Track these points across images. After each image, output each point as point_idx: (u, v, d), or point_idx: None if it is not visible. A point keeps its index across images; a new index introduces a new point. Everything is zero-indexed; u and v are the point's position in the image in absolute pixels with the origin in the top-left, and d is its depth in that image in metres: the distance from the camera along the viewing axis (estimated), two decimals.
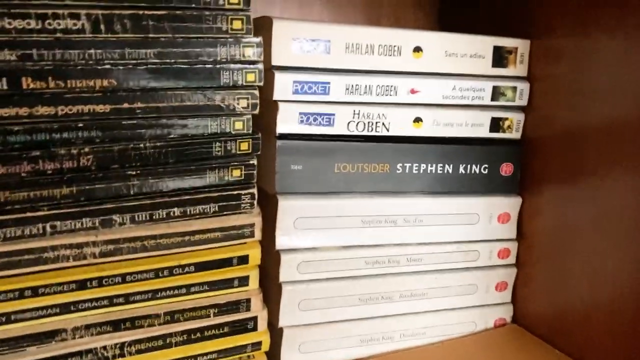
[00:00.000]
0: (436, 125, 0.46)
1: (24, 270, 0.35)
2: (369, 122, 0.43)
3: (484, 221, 0.49)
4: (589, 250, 0.44)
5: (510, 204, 0.50)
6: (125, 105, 0.35)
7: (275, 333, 0.44)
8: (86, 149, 0.35)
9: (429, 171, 0.46)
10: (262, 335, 0.42)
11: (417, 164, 0.46)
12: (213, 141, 0.38)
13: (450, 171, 0.47)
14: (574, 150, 0.45)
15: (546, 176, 0.48)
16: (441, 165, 0.47)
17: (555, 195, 0.47)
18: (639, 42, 0.39)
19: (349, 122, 0.43)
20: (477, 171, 0.48)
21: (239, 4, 0.36)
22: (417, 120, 0.45)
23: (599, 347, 0.43)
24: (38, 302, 0.35)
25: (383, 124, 0.44)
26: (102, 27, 0.33)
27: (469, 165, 0.48)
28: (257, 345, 0.42)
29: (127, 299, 0.38)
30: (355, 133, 0.43)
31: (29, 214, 0.34)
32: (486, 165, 0.48)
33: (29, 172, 0.34)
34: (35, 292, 0.35)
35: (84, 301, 0.37)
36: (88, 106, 0.34)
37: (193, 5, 0.35)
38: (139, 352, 0.38)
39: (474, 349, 0.48)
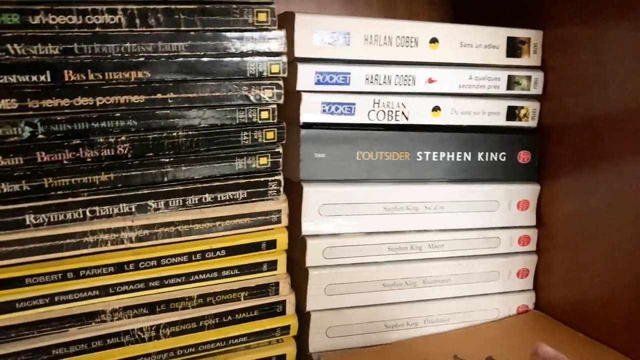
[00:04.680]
0: (454, 113, 0.47)
1: (66, 253, 0.37)
2: (389, 111, 0.45)
3: (503, 208, 0.50)
4: (608, 236, 0.45)
5: (528, 191, 0.51)
6: (159, 95, 0.37)
7: (303, 318, 0.45)
8: (123, 138, 0.37)
9: (448, 159, 0.48)
10: (290, 319, 0.44)
11: (436, 152, 0.47)
12: (241, 130, 0.40)
13: (469, 159, 0.48)
14: (590, 137, 0.46)
15: (564, 164, 0.49)
16: (460, 152, 0.48)
17: (573, 182, 0.48)
18: None
19: (369, 111, 0.45)
20: (495, 159, 0.49)
21: None
22: (436, 109, 0.46)
23: (622, 331, 0.44)
24: (79, 284, 0.37)
25: (403, 112, 0.45)
26: (137, 21, 0.35)
27: (487, 153, 0.49)
28: (285, 329, 0.43)
29: (162, 282, 0.39)
30: (376, 122, 0.45)
31: (70, 200, 0.36)
32: (504, 153, 0.49)
33: (70, 159, 0.36)
34: (76, 274, 0.37)
35: (122, 284, 0.38)
36: (124, 97, 0.36)
37: None
38: (173, 334, 0.40)
39: (498, 334, 0.49)
